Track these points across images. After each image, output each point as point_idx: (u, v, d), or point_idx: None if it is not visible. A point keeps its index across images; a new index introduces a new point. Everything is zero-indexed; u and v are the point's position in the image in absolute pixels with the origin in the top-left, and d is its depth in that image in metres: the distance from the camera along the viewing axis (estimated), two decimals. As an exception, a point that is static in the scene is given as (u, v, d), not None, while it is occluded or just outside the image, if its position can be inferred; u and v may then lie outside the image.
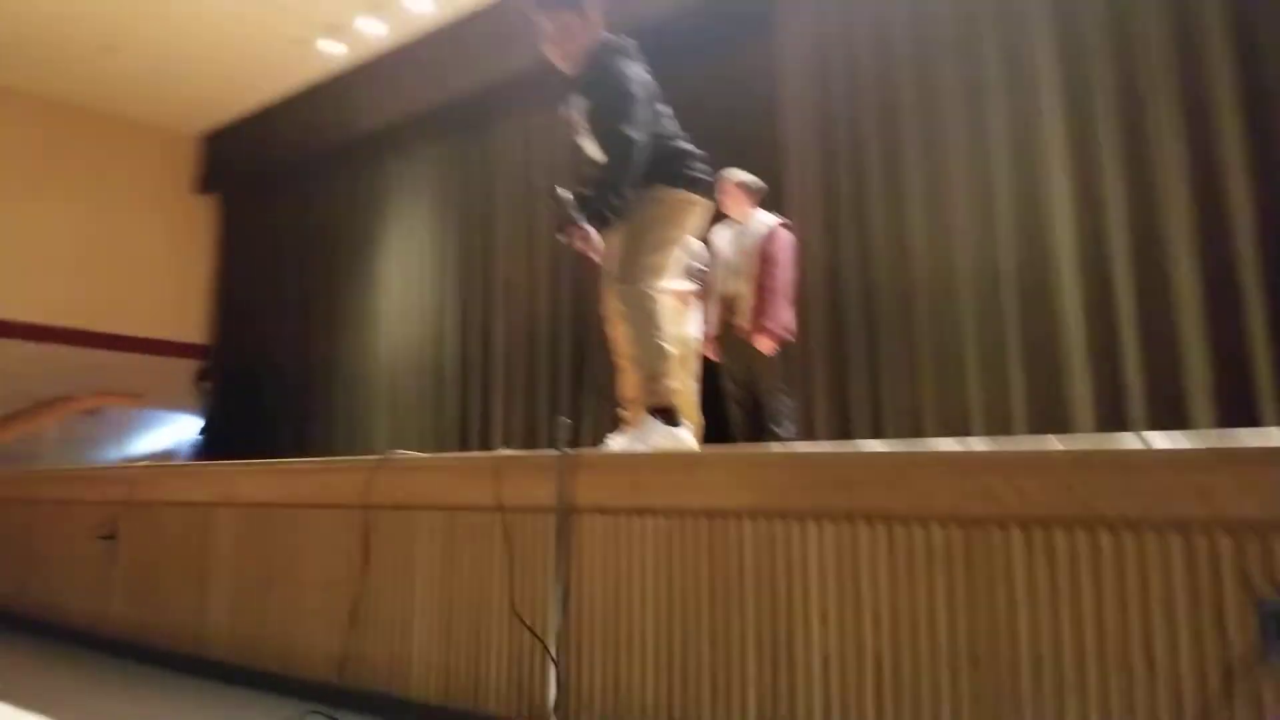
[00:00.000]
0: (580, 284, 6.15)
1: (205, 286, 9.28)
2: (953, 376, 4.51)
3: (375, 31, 6.82)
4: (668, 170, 2.95)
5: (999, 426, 4.31)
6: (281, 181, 8.75)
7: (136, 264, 8.71)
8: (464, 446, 6.74)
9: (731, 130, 5.49)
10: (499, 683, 2.59)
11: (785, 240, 5.12)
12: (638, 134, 2.84)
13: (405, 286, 7.48)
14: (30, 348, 7.94)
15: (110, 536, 4.07)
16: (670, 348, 2.95)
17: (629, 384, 3.12)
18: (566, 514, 2.50)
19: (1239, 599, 1.60)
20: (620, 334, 2.96)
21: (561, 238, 2.88)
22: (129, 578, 3.99)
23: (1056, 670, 1.73)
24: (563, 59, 3.08)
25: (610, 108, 2.89)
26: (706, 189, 3.04)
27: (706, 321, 5.25)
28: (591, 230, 2.82)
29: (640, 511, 2.40)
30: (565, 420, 2.85)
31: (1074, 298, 4.21)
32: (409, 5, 6.46)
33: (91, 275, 8.36)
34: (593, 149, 3.01)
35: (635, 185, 2.86)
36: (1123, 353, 4.09)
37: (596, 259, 2.97)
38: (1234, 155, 3.96)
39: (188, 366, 9.04)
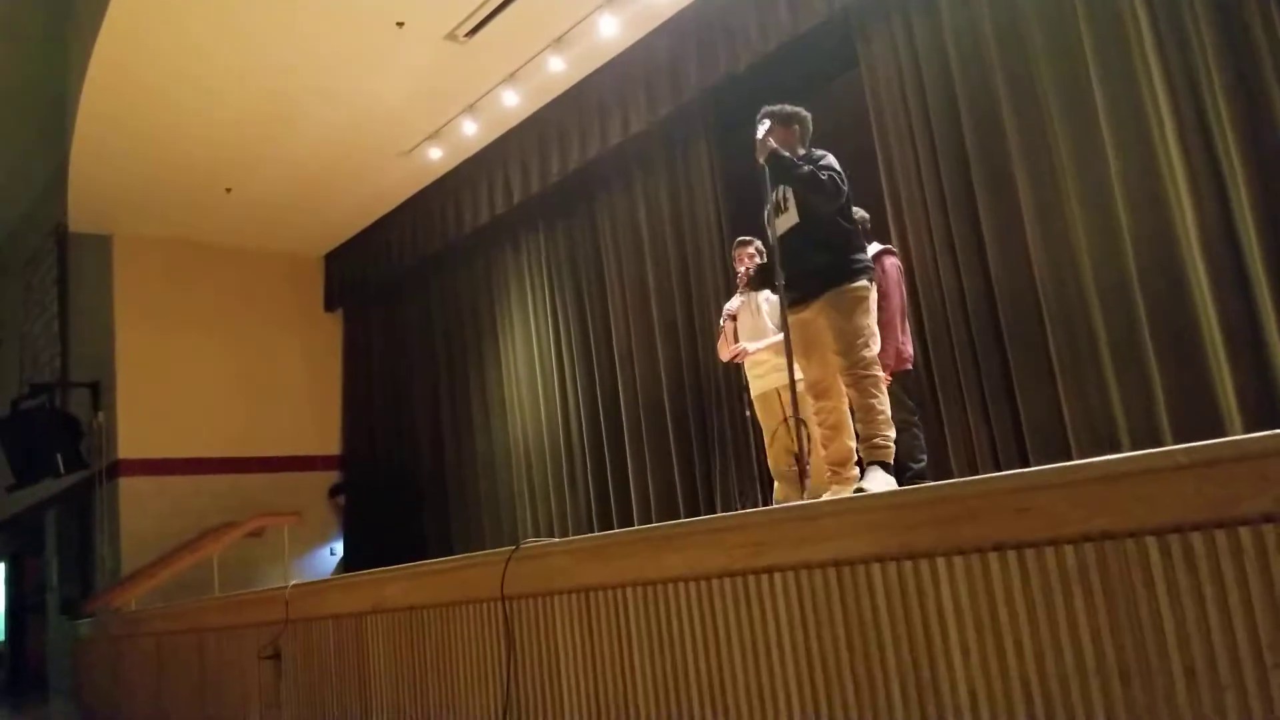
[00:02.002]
0: (695, 344, 6.23)
1: (340, 400, 9.78)
2: (1092, 387, 4.32)
3: (470, 132, 7.24)
4: (869, 265, 3.63)
5: (1145, 434, 4.10)
6: (398, 289, 9.22)
7: (278, 387, 9.24)
8: (603, 522, 6.81)
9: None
10: (653, 755, 2.63)
11: (891, 268, 5.04)
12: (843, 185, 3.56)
13: (530, 371, 7.69)
14: (189, 481, 8.49)
15: (274, 655, 4.31)
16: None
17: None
18: (663, 584, 2.56)
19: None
20: (859, 406, 3.51)
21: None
22: (296, 692, 4.20)
23: (1211, 673, 1.67)
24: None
25: (825, 177, 3.53)
26: None
27: None
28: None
29: (767, 570, 2.43)
30: None
31: (1208, 290, 3.95)
32: (500, 102, 6.84)
33: (238, 403, 8.91)
34: (791, 217, 3.62)
35: (829, 203, 3.53)
36: (1267, 342, 3.84)
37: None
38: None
39: (332, 478, 9.49)
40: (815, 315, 3.57)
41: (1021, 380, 4.54)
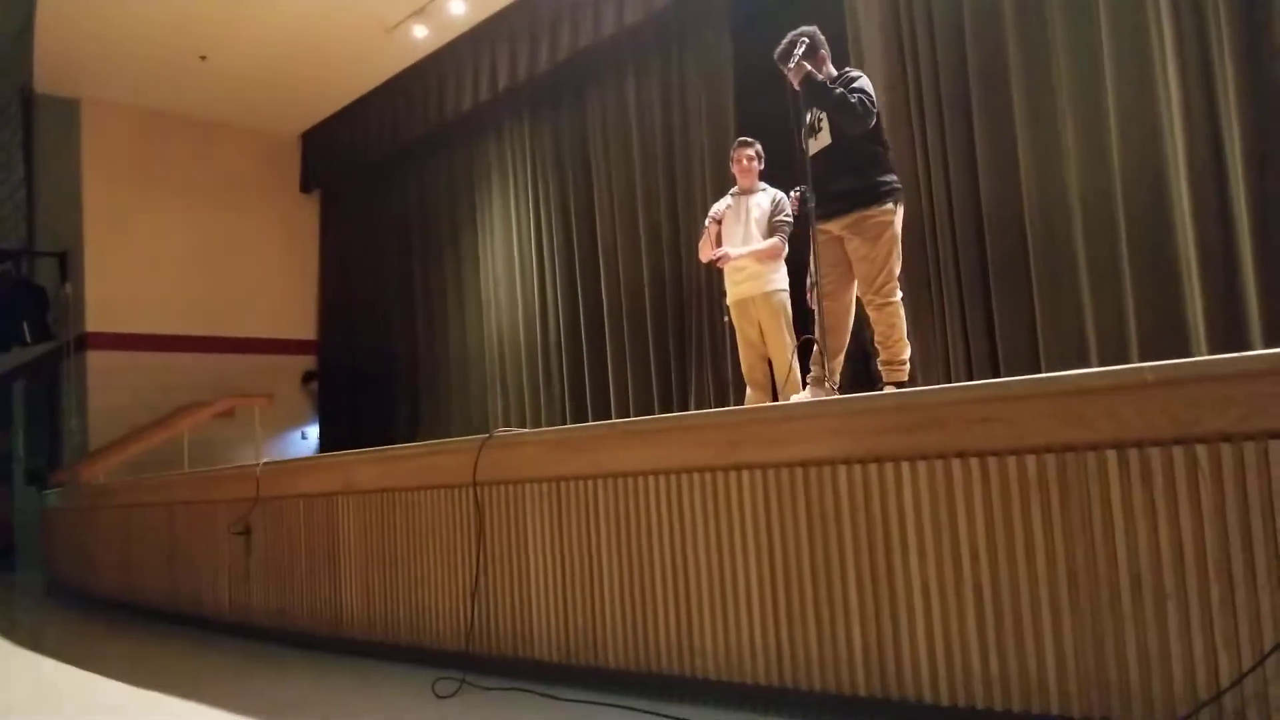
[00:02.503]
0: (679, 246, 6.18)
1: (316, 283, 9.65)
2: (1068, 304, 4.40)
3: (458, 11, 6.98)
4: (897, 187, 3.71)
5: (1116, 353, 4.20)
6: (378, 172, 9.01)
7: (251, 267, 9.06)
8: (577, 417, 6.86)
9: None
10: (616, 638, 2.72)
11: None
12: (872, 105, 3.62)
13: (508, 263, 7.63)
14: (159, 357, 8.41)
15: (245, 532, 4.37)
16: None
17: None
18: (634, 477, 2.61)
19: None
20: (882, 332, 3.71)
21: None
22: (265, 568, 4.28)
23: (1156, 583, 1.75)
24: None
25: (855, 99, 3.60)
26: None
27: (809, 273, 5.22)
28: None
29: (736, 468, 2.49)
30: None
31: (1189, 215, 4.00)
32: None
33: (209, 282, 8.74)
34: (823, 139, 3.69)
35: (859, 126, 3.59)
36: (1240, 270, 3.90)
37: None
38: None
39: (307, 363, 9.45)
40: (840, 231, 3.73)
41: (1000, 294, 4.59)
